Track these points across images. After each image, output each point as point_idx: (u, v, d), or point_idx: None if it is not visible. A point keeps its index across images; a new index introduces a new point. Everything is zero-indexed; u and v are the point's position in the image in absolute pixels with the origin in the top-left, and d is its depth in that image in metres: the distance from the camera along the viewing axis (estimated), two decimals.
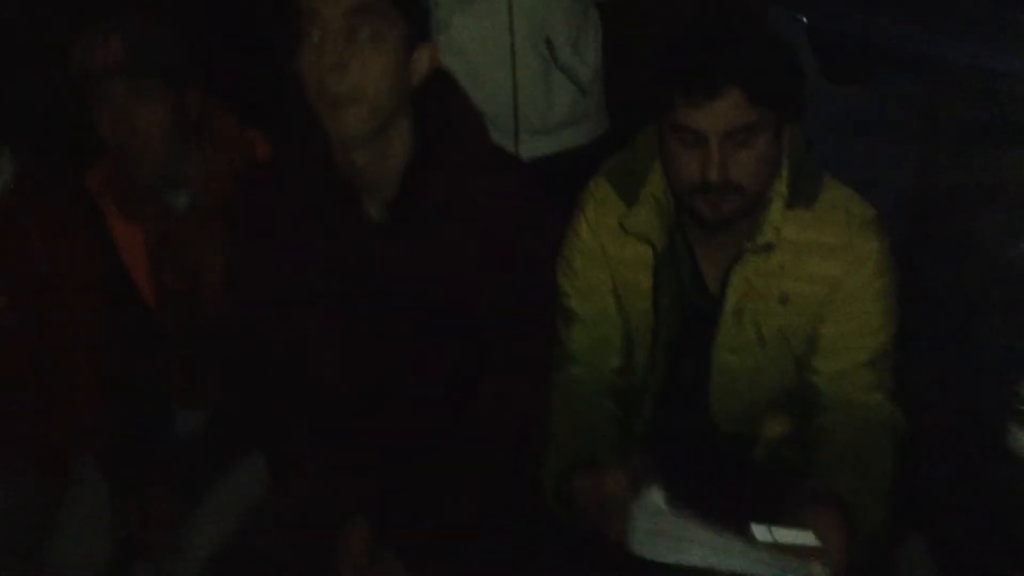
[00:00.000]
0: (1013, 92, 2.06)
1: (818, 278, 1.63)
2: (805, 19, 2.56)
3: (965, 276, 1.83)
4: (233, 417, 1.95)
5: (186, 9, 2.17)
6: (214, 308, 1.97)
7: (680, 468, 1.72)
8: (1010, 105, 2.04)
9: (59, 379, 1.91)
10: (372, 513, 1.68)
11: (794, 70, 1.57)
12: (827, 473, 1.54)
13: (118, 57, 1.80)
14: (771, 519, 1.42)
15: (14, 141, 1.93)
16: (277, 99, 2.04)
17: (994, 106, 2.06)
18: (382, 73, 1.51)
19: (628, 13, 2.37)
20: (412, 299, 1.67)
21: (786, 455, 1.73)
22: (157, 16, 1.91)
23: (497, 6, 2.17)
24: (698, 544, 1.39)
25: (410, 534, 1.64)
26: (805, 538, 1.40)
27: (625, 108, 2.35)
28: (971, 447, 1.69)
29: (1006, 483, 1.62)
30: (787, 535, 1.39)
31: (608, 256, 1.71)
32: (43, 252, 1.88)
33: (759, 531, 1.40)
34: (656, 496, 1.41)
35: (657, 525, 1.40)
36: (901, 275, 1.67)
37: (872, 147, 2.32)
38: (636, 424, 1.74)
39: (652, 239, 1.66)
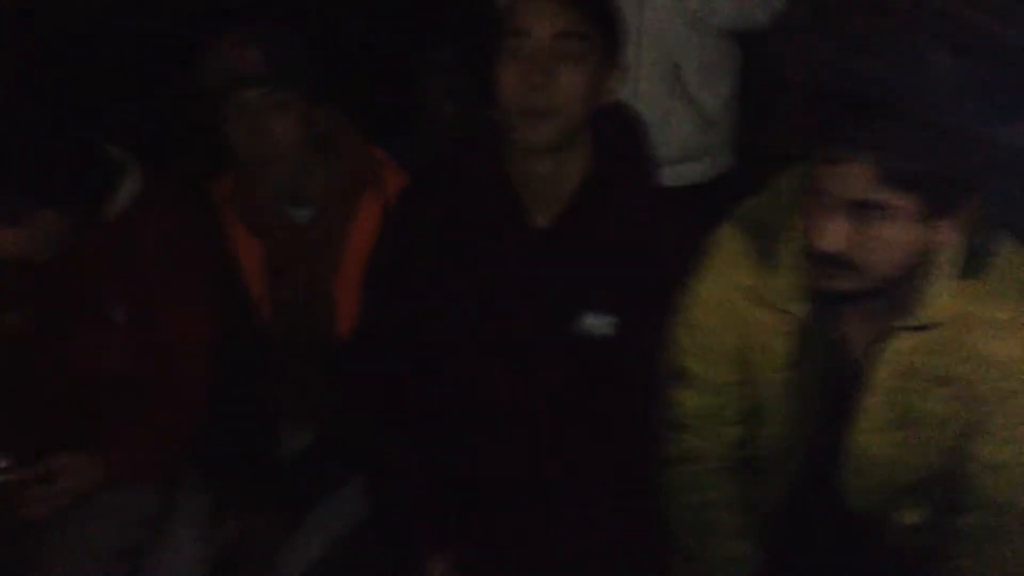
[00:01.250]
0: None
1: (986, 360, 1.45)
2: None
3: None
4: (340, 437, 1.91)
5: (321, 21, 2.13)
6: (328, 325, 1.93)
7: (809, 549, 1.63)
8: None
9: (170, 392, 1.89)
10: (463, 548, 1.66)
11: (947, 152, 1.33)
12: None
13: (255, 66, 1.78)
14: None
15: (144, 152, 1.93)
16: (404, 118, 2.01)
17: None
18: (578, 92, 1.58)
19: (768, 45, 2.22)
20: (563, 308, 1.65)
21: (921, 542, 1.59)
22: (293, 27, 1.87)
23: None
24: None
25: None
26: None
27: (756, 148, 2.20)
28: None
29: None
30: None
31: (738, 316, 1.56)
32: (163, 265, 1.86)
33: None
34: None
35: None
36: None
37: None
38: (762, 500, 1.61)
39: (792, 309, 1.50)
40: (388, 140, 2.01)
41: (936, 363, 1.47)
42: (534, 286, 1.66)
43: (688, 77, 2.11)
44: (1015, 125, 1.78)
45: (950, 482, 1.54)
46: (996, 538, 1.48)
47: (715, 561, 1.64)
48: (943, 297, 1.44)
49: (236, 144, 1.81)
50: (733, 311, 1.55)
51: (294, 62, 1.82)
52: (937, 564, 1.49)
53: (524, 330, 1.67)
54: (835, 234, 1.36)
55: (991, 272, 1.45)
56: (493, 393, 1.70)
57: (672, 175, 2.10)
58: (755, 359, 1.56)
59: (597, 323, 1.65)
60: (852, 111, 1.34)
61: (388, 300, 1.77)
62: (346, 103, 1.92)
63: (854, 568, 1.63)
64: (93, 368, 1.86)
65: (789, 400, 1.56)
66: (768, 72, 2.25)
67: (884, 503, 1.60)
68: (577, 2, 1.56)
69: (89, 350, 1.85)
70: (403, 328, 1.74)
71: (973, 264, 1.45)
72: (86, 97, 2.05)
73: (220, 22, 1.85)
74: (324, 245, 1.91)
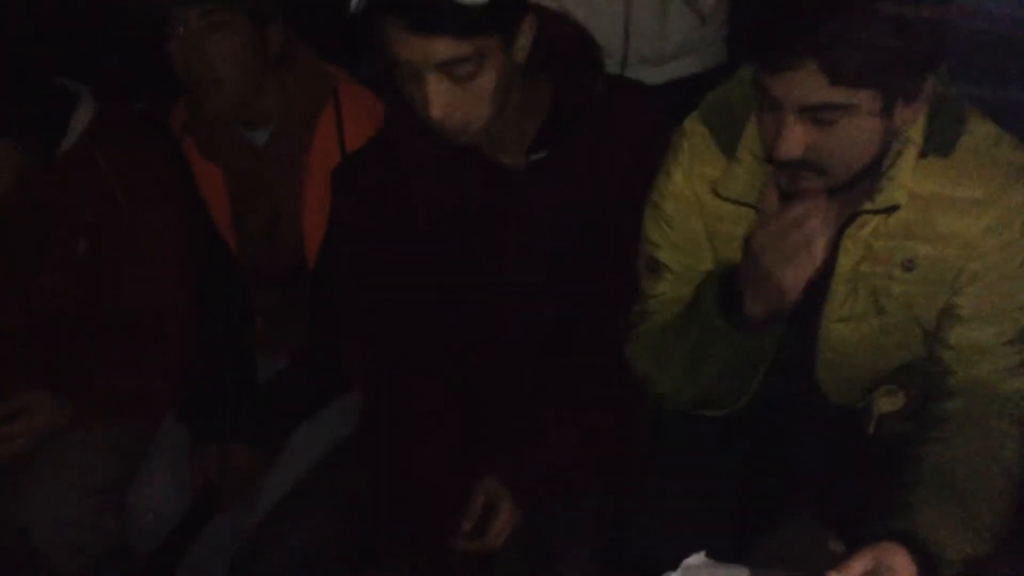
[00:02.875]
0: None
1: (952, 239, 1.40)
2: None
3: None
4: (315, 362, 1.89)
5: None
6: (296, 251, 1.90)
7: (787, 440, 1.60)
8: None
9: (143, 323, 1.88)
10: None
11: (898, 50, 1.26)
12: (925, 495, 1.35)
13: None
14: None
15: (96, 81, 1.88)
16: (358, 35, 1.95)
17: None
18: (487, 99, 1.47)
19: None
20: (546, 242, 1.62)
21: (900, 430, 1.55)
22: None
23: None
24: None
25: (521, 476, 1.61)
26: None
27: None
28: None
29: None
30: None
31: (704, 208, 1.52)
32: (123, 195, 1.84)
33: None
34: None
35: None
36: None
37: None
38: (739, 393, 1.57)
39: (755, 202, 1.45)
40: (342, 57, 1.95)
41: (901, 246, 1.42)
42: (512, 226, 1.62)
43: None
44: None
45: (925, 368, 1.50)
46: (975, 423, 1.43)
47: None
48: (906, 179, 1.38)
49: (181, 69, 1.75)
50: (699, 203, 1.52)
51: None
52: (917, 452, 1.44)
53: (505, 270, 1.63)
54: (792, 141, 1.30)
55: (957, 150, 1.39)
56: (472, 332, 1.69)
57: (668, 70, 2.07)
58: (723, 250, 1.53)
59: (576, 255, 1.62)
60: (788, 13, 1.27)
61: (354, 264, 1.72)
62: (298, 20, 1.86)
63: (834, 458, 1.60)
64: (58, 304, 1.84)
65: None
66: None
67: (861, 392, 1.56)
68: (454, 28, 1.39)
69: (52, 286, 1.84)
70: (373, 287, 1.70)
71: (937, 142, 1.39)
72: (36, 30, 1.99)
73: None
74: (284, 167, 1.87)
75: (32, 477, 1.79)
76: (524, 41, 1.50)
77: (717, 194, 1.48)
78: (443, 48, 1.40)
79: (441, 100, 1.43)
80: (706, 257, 1.55)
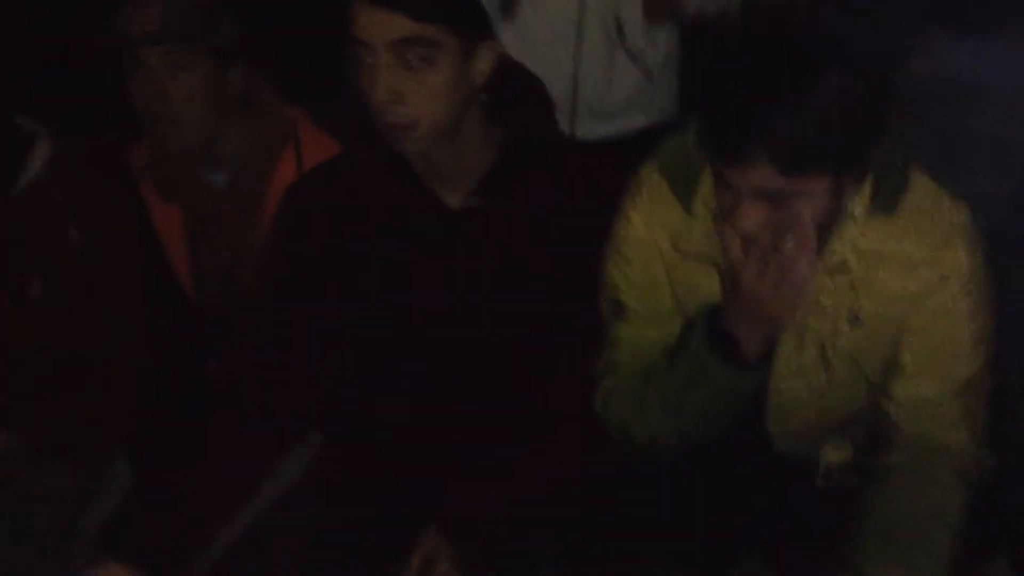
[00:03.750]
0: None
1: (896, 296, 1.44)
2: None
3: None
4: None
5: None
6: (250, 294, 1.89)
7: (739, 488, 1.62)
8: None
9: (94, 363, 1.87)
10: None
11: (844, 141, 1.29)
12: (869, 551, 1.39)
13: (154, 24, 1.73)
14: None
15: (53, 120, 1.88)
16: (324, 77, 1.97)
17: None
18: (437, 98, 1.47)
19: None
20: (489, 285, 1.61)
21: (847, 482, 1.58)
22: None
23: None
24: None
25: (464, 530, 1.56)
26: None
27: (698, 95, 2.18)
28: None
29: None
30: None
31: (664, 254, 1.54)
32: (78, 234, 1.83)
33: None
34: None
35: None
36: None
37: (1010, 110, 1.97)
38: (695, 442, 1.57)
39: (713, 255, 1.47)
40: (314, 101, 1.97)
41: (845, 302, 1.45)
42: (455, 267, 1.60)
43: (629, 30, 2.09)
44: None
45: (871, 421, 1.53)
46: (919, 477, 1.46)
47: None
48: (853, 238, 1.42)
49: (140, 105, 1.76)
50: (659, 249, 1.54)
51: (199, 21, 1.76)
52: (862, 506, 1.47)
53: (448, 312, 1.62)
54: (751, 220, 1.32)
55: (902, 208, 1.43)
56: (414, 378, 1.66)
57: (616, 124, 2.11)
58: (683, 296, 1.55)
59: (522, 297, 1.61)
60: (736, 114, 1.28)
61: (288, 294, 1.66)
62: (267, 61, 1.88)
63: (784, 508, 1.62)
64: (8, 342, 1.82)
65: None
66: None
67: (809, 444, 1.59)
68: (412, 7, 1.43)
69: (3, 324, 1.82)
70: (313, 315, 1.65)
71: (881, 202, 1.42)
72: None
73: None
74: (242, 210, 1.87)
75: None
76: (483, 65, 1.51)
77: (677, 249, 1.50)
78: (398, 24, 1.42)
79: (389, 83, 1.43)
80: (667, 298, 1.56)
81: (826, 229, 1.39)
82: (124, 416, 1.88)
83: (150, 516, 1.57)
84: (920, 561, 1.38)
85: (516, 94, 1.61)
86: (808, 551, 1.59)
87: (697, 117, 1.37)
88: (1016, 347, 1.56)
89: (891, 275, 1.43)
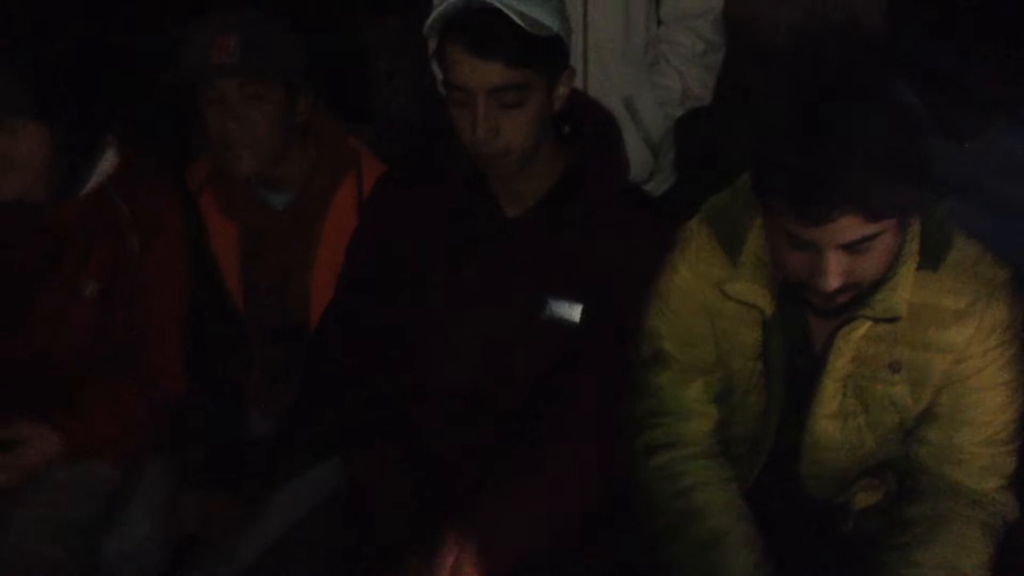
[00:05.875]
0: None
1: (937, 347, 1.52)
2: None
3: None
4: (306, 421, 1.92)
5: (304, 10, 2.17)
6: (300, 314, 1.95)
7: (769, 533, 1.66)
8: None
9: (140, 369, 1.89)
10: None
11: (919, 174, 1.36)
12: None
13: (234, 57, 1.79)
14: None
15: (123, 132, 1.94)
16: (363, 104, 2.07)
17: None
18: (527, 129, 1.63)
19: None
20: (530, 295, 1.69)
21: (876, 527, 1.63)
22: (275, 15, 1.90)
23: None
24: None
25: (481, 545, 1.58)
26: None
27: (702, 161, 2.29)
28: None
29: None
30: None
31: (708, 303, 1.61)
32: (136, 243, 1.87)
33: None
34: None
35: None
36: None
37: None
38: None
39: (759, 304, 1.55)
40: (349, 127, 2.04)
41: (889, 350, 1.53)
42: (502, 274, 1.70)
43: (639, 105, 2.19)
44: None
45: (902, 467, 1.60)
46: (942, 528, 1.52)
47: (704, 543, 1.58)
48: (906, 291, 1.49)
49: (214, 133, 1.83)
50: (705, 300, 1.60)
51: (272, 52, 1.83)
52: (885, 556, 1.52)
53: (492, 316, 1.71)
54: (836, 275, 1.39)
55: (945, 265, 1.51)
56: (462, 378, 1.73)
57: None
58: (726, 347, 1.61)
59: (563, 311, 1.70)
60: (826, 171, 1.31)
61: (363, 289, 1.80)
62: (321, 90, 1.96)
63: (811, 553, 1.66)
64: (57, 341, 1.85)
65: (757, 389, 1.61)
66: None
67: (841, 488, 1.65)
68: (508, 56, 1.56)
69: (54, 323, 1.85)
70: (377, 316, 1.77)
71: (929, 258, 1.51)
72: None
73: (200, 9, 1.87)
74: (299, 232, 1.93)
75: (13, 511, 1.76)
76: (563, 90, 1.67)
77: (724, 293, 1.57)
78: (497, 72, 1.57)
79: (488, 123, 1.59)
80: (709, 350, 1.63)
81: (876, 281, 1.47)
82: (159, 418, 1.90)
83: None
84: None
85: (588, 124, 1.74)
86: None
87: (763, 181, 1.42)
88: None
89: (933, 327, 1.51)
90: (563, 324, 1.69)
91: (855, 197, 1.32)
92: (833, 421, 1.59)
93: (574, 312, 1.70)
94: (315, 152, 1.94)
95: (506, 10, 1.54)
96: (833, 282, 1.39)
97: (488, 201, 1.73)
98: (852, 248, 1.38)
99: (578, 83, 1.96)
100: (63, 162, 1.80)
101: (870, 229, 1.36)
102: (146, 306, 1.89)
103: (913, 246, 1.50)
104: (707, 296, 1.60)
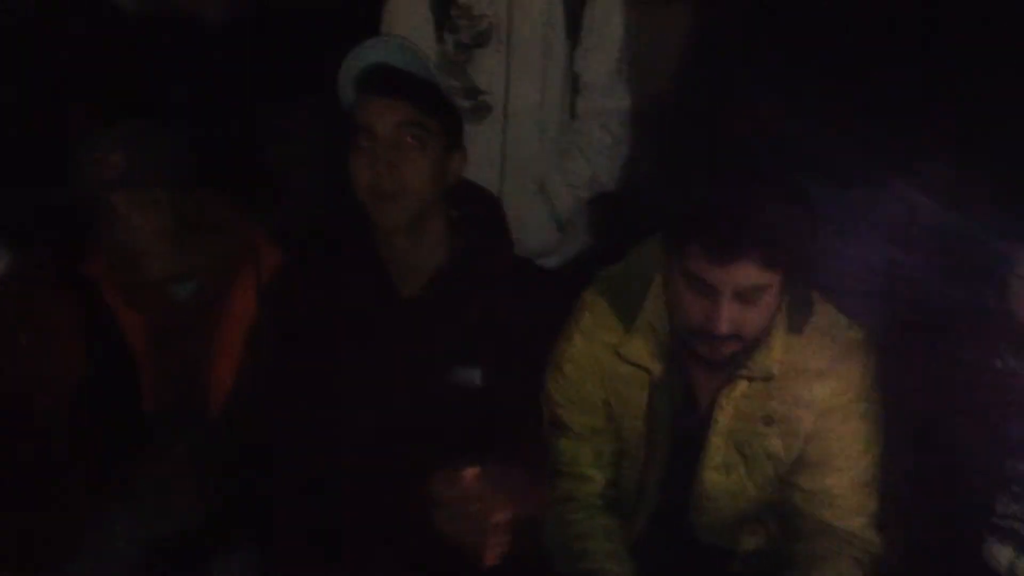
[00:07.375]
0: None
1: (804, 402, 1.69)
2: None
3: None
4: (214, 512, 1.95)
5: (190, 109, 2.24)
6: (201, 400, 1.99)
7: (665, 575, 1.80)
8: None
9: (39, 472, 1.90)
10: None
11: (813, 231, 1.58)
12: None
13: (119, 172, 1.87)
14: None
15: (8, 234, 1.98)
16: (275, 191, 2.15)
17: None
18: (423, 173, 1.75)
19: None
20: (432, 371, 1.78)
21: (762, 567, 1.79)
22: (157, 123, 1.99)
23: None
24: None
25: None
26: None
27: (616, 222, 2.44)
28: (950, 558, 1.75)
29: None
30: None
31: (602, 370, 1.75)
32: (27, 344, 1.91)
33: None
34: None
35: None
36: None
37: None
38: (625, 536, 1.78)
39: (649, 367, 1.70)
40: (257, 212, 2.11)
41: (762, 406, 1.71)
42: (402, 352, 1.80)
43: (550, 187, 2.32)
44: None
45: (782, 511, 1.77)
46: (820, 565, 1.68)
47: None
48: (778, 351, 1.67)
49: (110, 240, 1.91)
50: (599, 366, 1.75)
51: (158, 163, 1.91)
52: None
53: (395, 393, 1.80)
54: (729, 320, 1.55)
55: (809, 327, 1.70)
56: (370, 453, 1.80)
57: None
58: (618, 409, 1.76)
59: (464, 375, 1.80)
60: (734, 214, 1.52)
61: (270, 374, 1.87)
62: (225, 185, 2.03)
63: None
64: None
65: (647, 445, 1.76)
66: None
67: (728, 533, 1.81)
68: (413, 97, 1.73)
69: None
70: (284, 399, 1.85)
71: (794, 322, 1.70)
72: None
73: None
74: (203, 321, 1.98)
75: None
76: (456, 166, 1.80)
77: (619, 355, 1.71)
78: (402, 110, 1.73)
79: (389, 157, 1.72)
80: (600, 416, 1.77)
81: (753, 343, 1.65)
82: (67, 526, 1.90)
83: None
84: None
85: (473, 206, 1.87)
86: None
87: (680, 224, 1.59)
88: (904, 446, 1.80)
89: (800, 384, 1.70)
90: (466, 389, 1.79)
91: (760, 239, 1.50)
92: (718, 472, 1.75)
93: (474, 376, 1.80)
94: (212, 241, 2.00)
95: (410, 68, 1.74)
96: (724, 328, 1.55)
97: (383, 280, 1.82)
98: (744, 297, 1.54)
99: (495, 157, 2.20)
100: None
101: (764, 278, 1.53)
102: (43, 410, 1.91)
103: (782, 316, 1.68)
104: (601, 361, 1.75)
